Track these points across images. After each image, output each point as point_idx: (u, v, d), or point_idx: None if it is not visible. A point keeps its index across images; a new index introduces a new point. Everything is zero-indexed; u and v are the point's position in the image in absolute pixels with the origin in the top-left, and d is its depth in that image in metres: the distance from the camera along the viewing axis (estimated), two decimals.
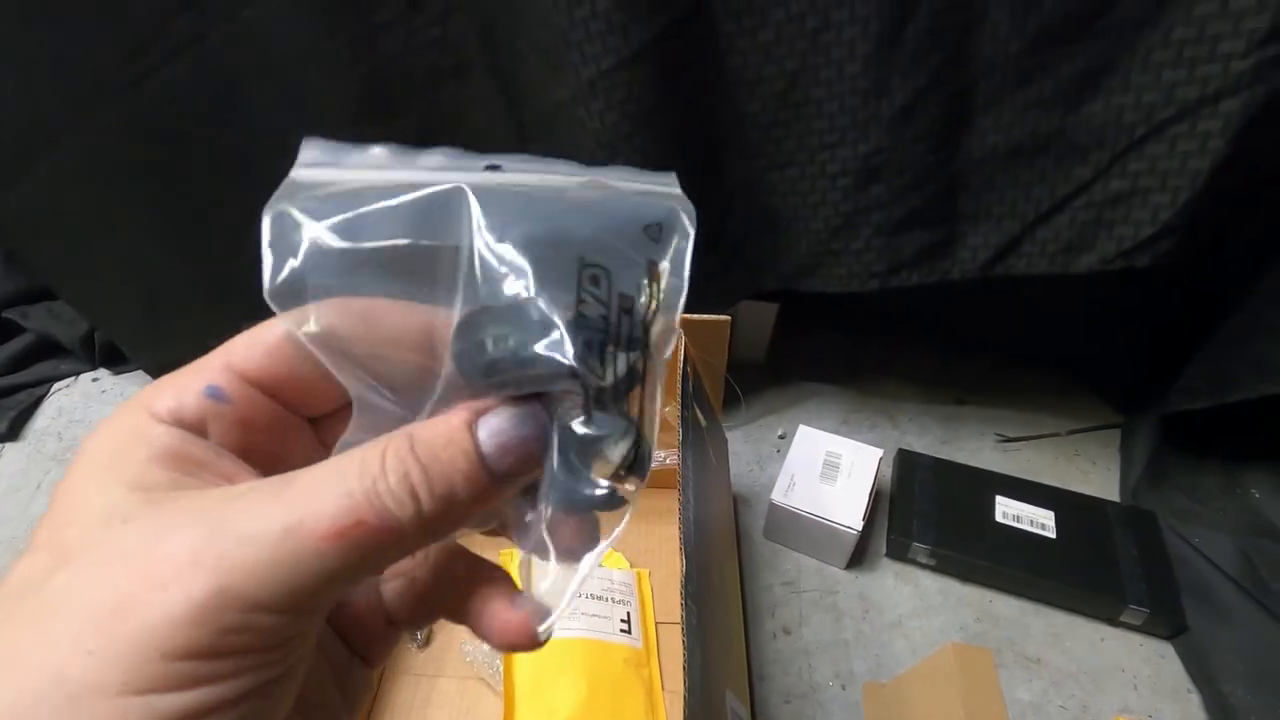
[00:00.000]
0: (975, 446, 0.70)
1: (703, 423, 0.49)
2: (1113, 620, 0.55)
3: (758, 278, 0.63)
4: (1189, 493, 0.64)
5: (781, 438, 0.71)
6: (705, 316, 0.50)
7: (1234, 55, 0.40)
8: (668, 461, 0.56)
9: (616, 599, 0.56)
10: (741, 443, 0.70)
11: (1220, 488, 0.64)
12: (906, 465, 0.64)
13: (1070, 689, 0.52)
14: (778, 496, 0.58)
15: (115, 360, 0.83)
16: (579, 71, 0.50)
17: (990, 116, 0.48)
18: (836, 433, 0.62)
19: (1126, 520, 0.59)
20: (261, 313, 0.15)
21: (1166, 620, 0.53)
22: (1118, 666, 0.53)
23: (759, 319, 0.74)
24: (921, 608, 0.57)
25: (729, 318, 0.50)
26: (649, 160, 0.54)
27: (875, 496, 0.61)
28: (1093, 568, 0.56)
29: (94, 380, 0.83)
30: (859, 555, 0.60)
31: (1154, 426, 0.66)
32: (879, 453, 0.60)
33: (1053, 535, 0.58)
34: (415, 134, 0.58)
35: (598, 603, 0.56)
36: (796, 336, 0.77)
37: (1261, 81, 0.40)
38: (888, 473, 0.65)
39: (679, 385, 0.46)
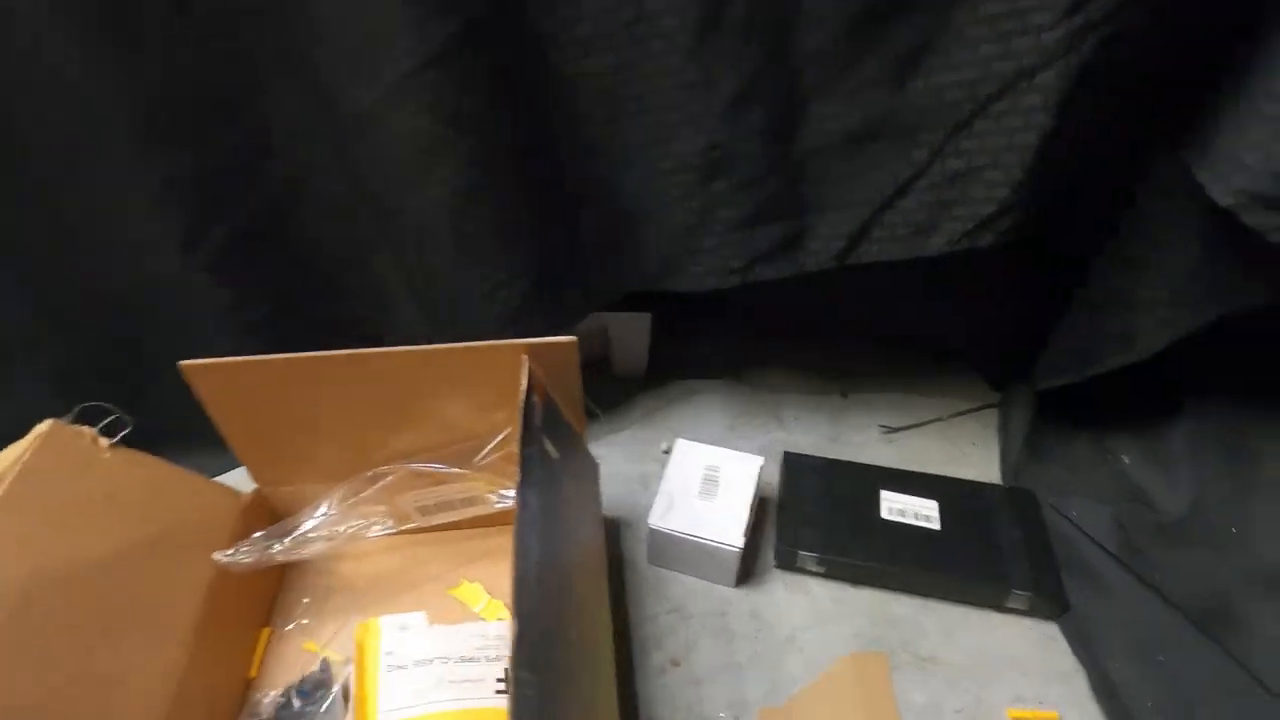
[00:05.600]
0: (861, 440, 0.68)
1: (553, 455, 0.44)
2: (1000, 607, 0.54)
3: (621, 281, 0.60)
4: (1065, 464, 0.64)
5: (666, 452, 0.67)
6: (549, 340, 0.45)
7: (1044, 26, 0.39)
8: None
9: (491, 656, 0.51)
10: (623, 462, 0.66)
11: (1093, 457, 0.64)
12: (793, 468, 0.62)
13: (964, 685, 0.50)
14: (655, 520, 0.54)
15: None
16: (382, 73, 0.45)
17: (822, 103, 0.46)
18: (724, 438, 0.59)
19: (1007, 502, 0.58)
20: None
21: (1049, 602, 0.52)
22: (1008, 655, 0.52)
23: (634, 332, 0.71)
24: (815, 619, 0.55)
25: (574, 338, 0.46)
26: (473, 168, 0.49)
27: (762, 505, 0.58)
28: (977, 556, 0.55)
29: None
30: (747, 570, 0.57)
31: (1028, 402, 0.66)
32: (759, 461, 0.57)
33: (937, 526, 0.56)
34: (222, 156, 0.51)
35: (468, 665, 0.50)
36: (675, 347, 0.73)
37: (1074, 51, 0.40)
38: (777, 477, 0.62)
39: (520, 420, 0.41)
